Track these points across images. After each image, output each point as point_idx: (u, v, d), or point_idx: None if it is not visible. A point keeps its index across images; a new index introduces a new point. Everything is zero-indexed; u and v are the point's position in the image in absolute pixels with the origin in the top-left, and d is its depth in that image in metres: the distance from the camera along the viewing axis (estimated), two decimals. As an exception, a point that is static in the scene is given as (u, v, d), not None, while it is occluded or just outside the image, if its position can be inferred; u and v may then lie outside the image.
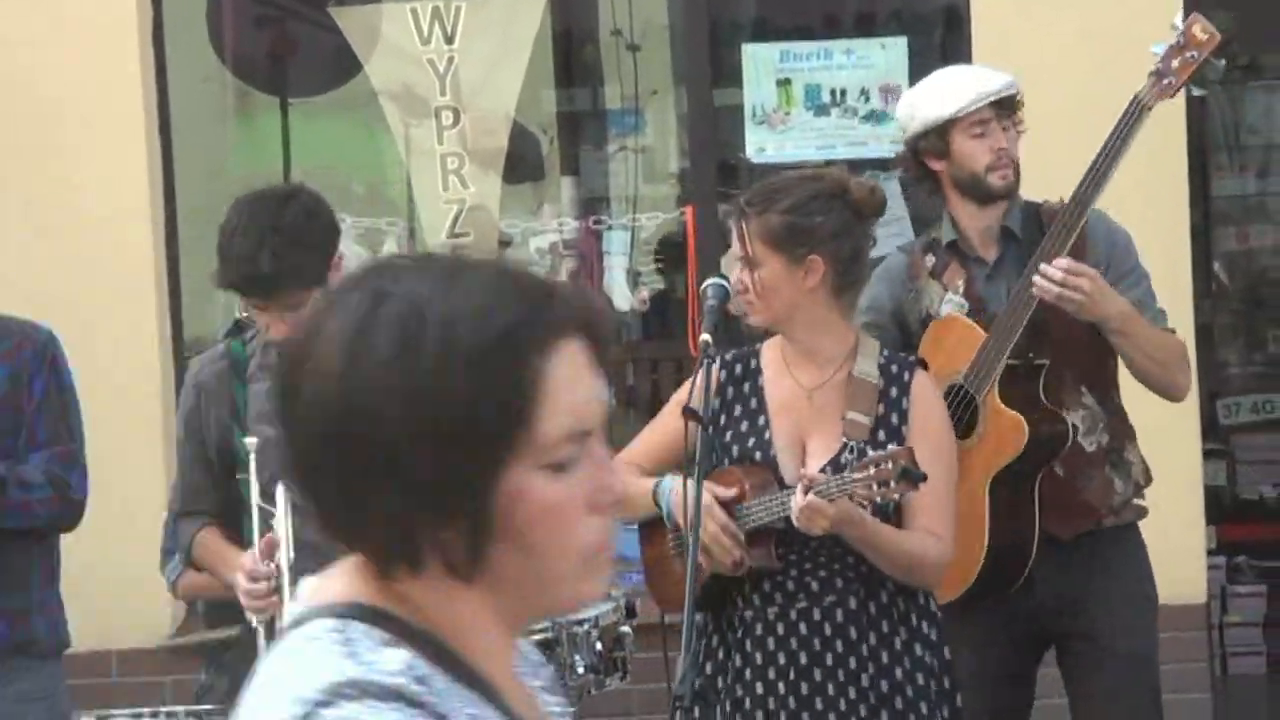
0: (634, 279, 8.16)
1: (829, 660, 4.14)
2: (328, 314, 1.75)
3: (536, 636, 5.70)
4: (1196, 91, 4.92)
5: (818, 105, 7.27)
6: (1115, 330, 4.66)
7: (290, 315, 4.48)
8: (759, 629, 4.19)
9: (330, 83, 7.94)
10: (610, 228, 8.08)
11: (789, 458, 4.19)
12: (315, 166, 8.22)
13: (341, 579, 1.80)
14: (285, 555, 4.46)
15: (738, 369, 4.32)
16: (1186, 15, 4.74)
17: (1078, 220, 4.64)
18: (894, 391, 4.21)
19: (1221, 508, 8.65)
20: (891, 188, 6.41)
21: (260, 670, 1.78)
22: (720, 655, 4.25)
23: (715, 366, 4.26)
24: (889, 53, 7.30)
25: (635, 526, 4.51)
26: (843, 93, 7.27)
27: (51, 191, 6.99)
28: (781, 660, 4.16)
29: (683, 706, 3.92)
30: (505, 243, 7.78)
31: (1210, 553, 7.46)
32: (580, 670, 5.64)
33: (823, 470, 4.08)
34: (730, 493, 4.17)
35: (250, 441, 4.57)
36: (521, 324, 1.71)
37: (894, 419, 4.19)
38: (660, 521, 4.33)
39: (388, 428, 1.69)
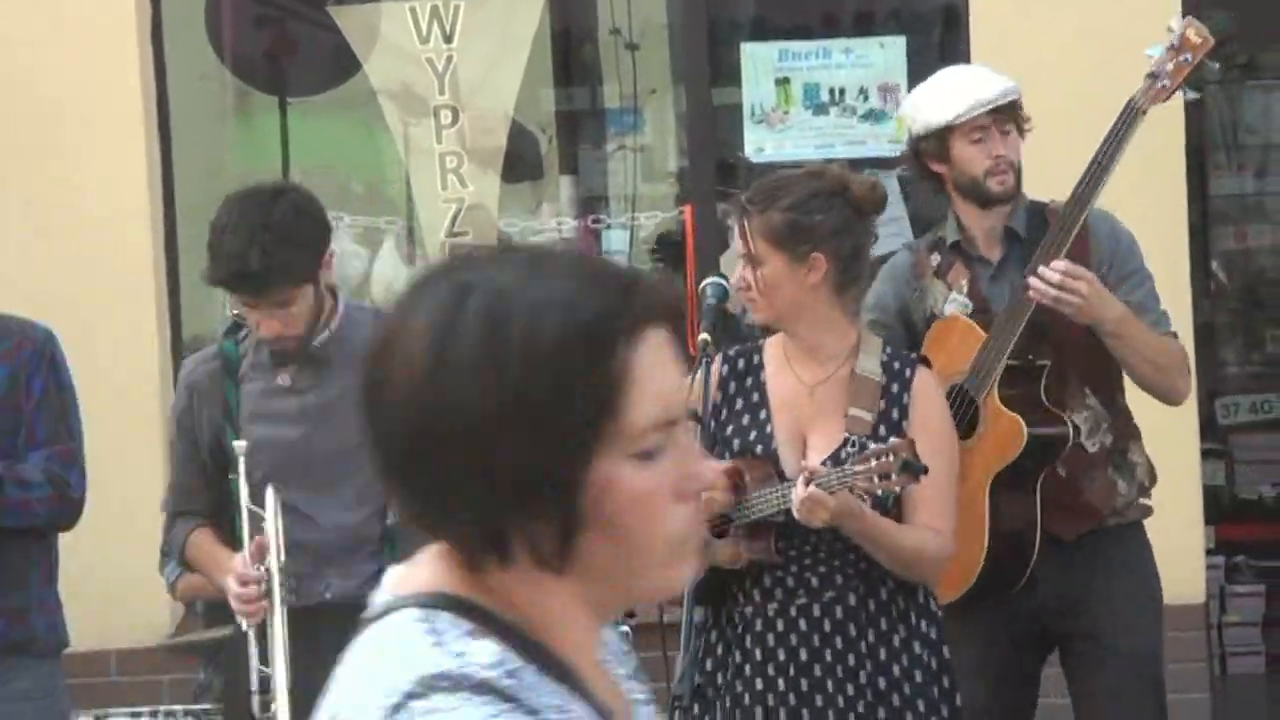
0: (632, 278, 8.16)
1: (828, 656, 4.15)
2: (412, 308, 1.75)
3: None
4: (1191, 95, 4.92)
5: (816, 104, 7.27)
6: (1112, 334, 4.66)
7: (280, 312, 4.48)
8: (759, 625, 4.20)
9: (329, 82, 7.94)
10: (609, 227, 8.08)
11: (790, 452, 4.20)
12: (314, 165, 8.22)
13: (427, 568, 1.79)
14: (275, 559, 4.46)
15: (740, 364, 4.33)
16: (1185, 15, 4.75)
17: (1075, 223, 4.64)
18: (895, 388, 4.21)
19: (1220, 507, 8.65)
20: (890, 186, 6.40)
21: (346, 661, 1.79)
22: (720, 651, 4.26)
23: (718, 361, 4.27)
24: (888, 52, 7.30)
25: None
26: (841, 92, 7.27)
27: (51, 191, 6.99)
28: (781, 656, 4.17)
29: (682, 706, 3.92)
30: (504, 241, 7.79)
31: (1209, 552, 7.46)
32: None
33: (824, 464, 4.08)
34: (725, 463, 4.17)
35: (240, 444, 4.57)
36: (607, 314, 1.71)
37: (895, 415, 4.19)
38: None
39: (475, 422, 1.69)
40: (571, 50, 8.48)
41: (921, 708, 4.15)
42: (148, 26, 7.18)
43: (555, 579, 1.74)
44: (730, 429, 4.28)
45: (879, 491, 4.01)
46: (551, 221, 8.05)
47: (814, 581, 4.18)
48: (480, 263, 1.76)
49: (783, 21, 8.28)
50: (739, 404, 4.30)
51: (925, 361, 4.37)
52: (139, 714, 5.10)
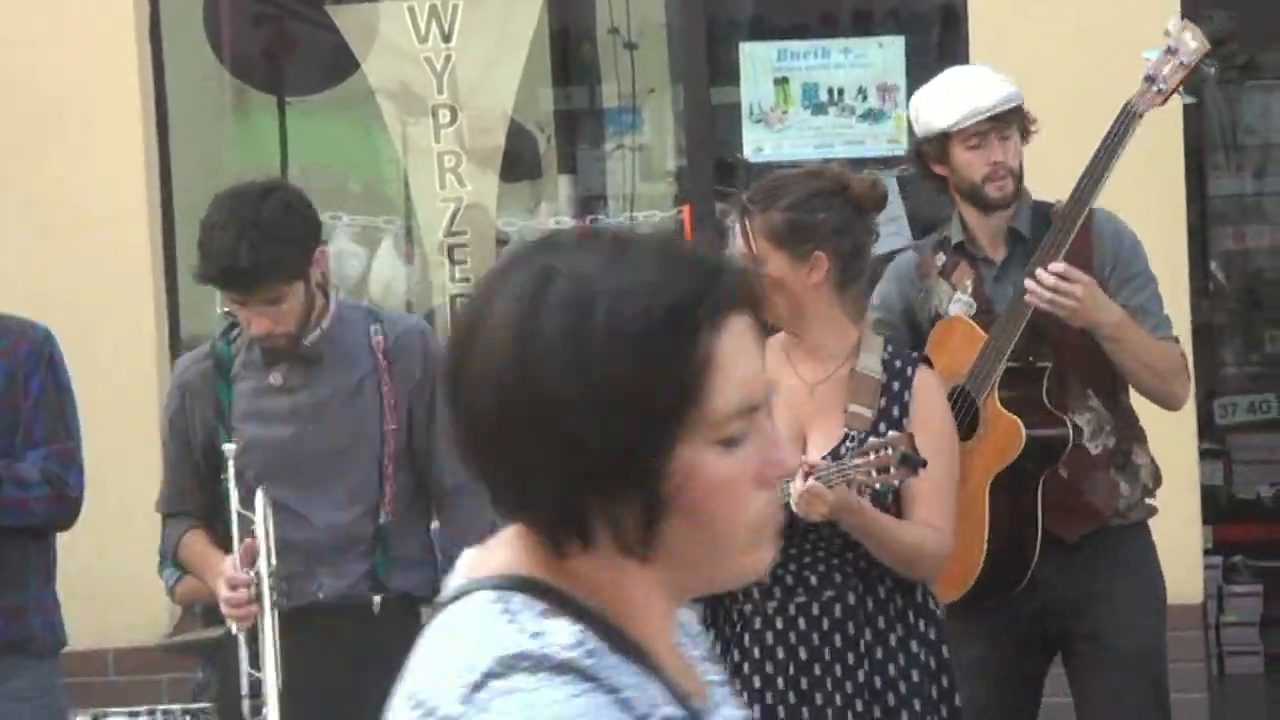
0: (631, 278, 8.15)
1: (826, 655, 4.14)
2: (495, 292, 1.75)
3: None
4: (1188, 99, 4.92)
5: (815, 104, 7.27)
6: (1109, 338, 4.65)
7: (270, 310, 4.48)
8: (757, 623, 4.20)
9: (327, 81, 7.94)
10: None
11: (790, 449, 4.19)
12: (312, 164, 8.23)
13: (501, 551, 1.79)
14: (265, 562, 4.46)
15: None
16: (1184, 16, 4.75)
17: (1073, 225, 4.64)
18: (896, 386, 4.21)
19: (1218, 507, 8.65)
20: (889, 186, 6.41)
21: (421, 645, 1.79)
22: (718, 649, 4.26)
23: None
24: (886, 51, 7.30)
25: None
26: (840, 91, 7.27)
27: (50, 191, 6.99)
28: (779, 655, 4.17)
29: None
30: (502, 241, 7.79)
31: (1207, 552, 7.46)
32: (577, 669, 5.65)
33: (823, 459, 4.09)
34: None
35: (229, 448, 4.56)
36: (691, 300, 1.71)
37: (896, 412, 4.19)
38: None
39: (560, 407, 1.69)
40: (570, 50, 8.48)
41: (918, 707, 4.14)
42: (146, 26, 7.18)
43: (635, 565, 1.74)
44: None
45: (877, 485, 4.01)
46: (550, 221, 8.05)
47: (813, 580, 4.18)
48: (565, 246, 1.76)
49: (781, 21, 8.28)
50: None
51: (927, 361, 4.37)
52: (137, 713, 5.10)
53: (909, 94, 7.14)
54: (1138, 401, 4.90)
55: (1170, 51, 4.70)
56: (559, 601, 1.73)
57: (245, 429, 4.62)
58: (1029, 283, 4.58)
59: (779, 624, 4.18)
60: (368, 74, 7.55)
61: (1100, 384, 4.76)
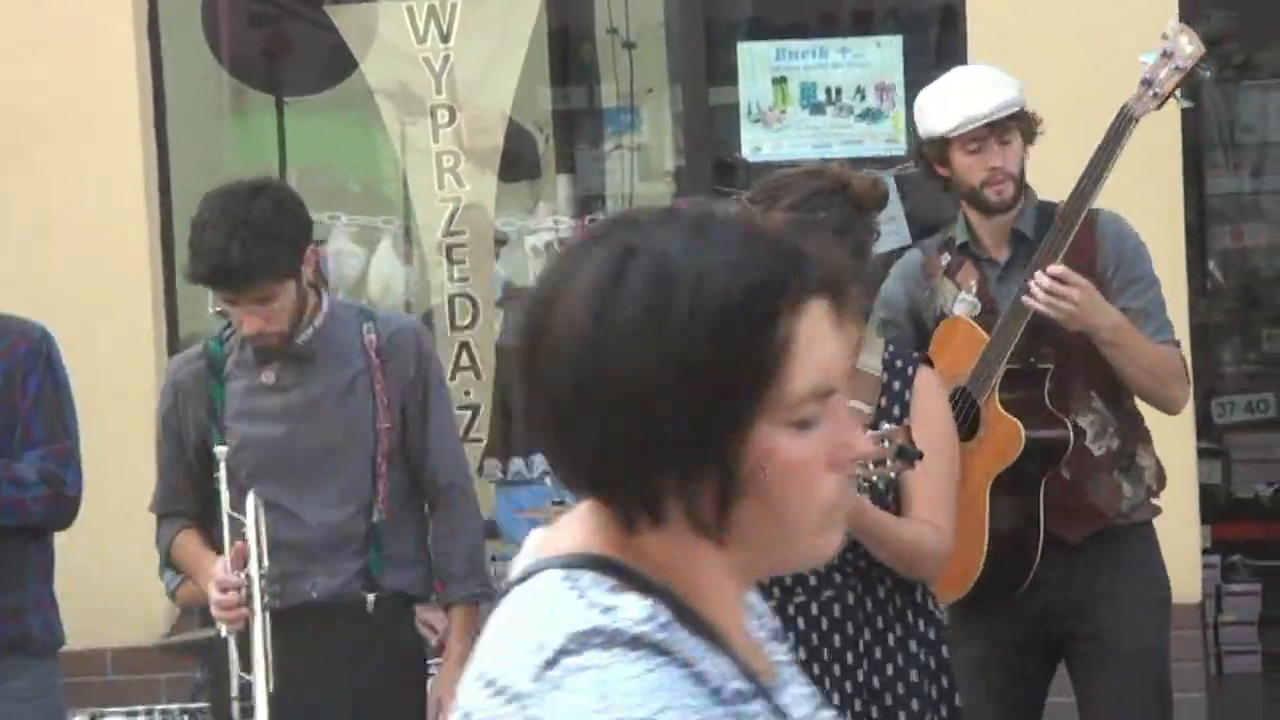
0: (629, 277, 8.15)
1: (825, 655, 4.14)
2: (574, 268, 1.74)
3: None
4: (1185, 104, 4.92)
5: (813, 104, 7.27)
6: (1107, 342, 4.65)
7: (261, 309, 4.48)
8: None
9: (326, 81, 7.94)
10: (606, 226, 8.07)
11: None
12: (311, 164, 8.23)
13: (571, 530, 1.79)
14: (255, 565, 4.45)
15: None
16: (1183, 14, 4.75)
17: (1071, 228, 4.64)
18: (897, 385, 4.21)
19: (1216, 507, 8.65)
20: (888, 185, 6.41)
21: (491, 625, 1.78)
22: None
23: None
24: (884, 51, 7.30)
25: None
26: (838, 91, 7.28)
27: (50, 191, 6.99)
28: (778, 655, 4.17)
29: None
30: (501, 241, 7.79)
31: (1205, 552, 7.46)
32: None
33: None
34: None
35: (220, 450, 4.56)
36: (773, 282, 1.71)
37: (896, 410, 4.19)
38: None
39: (637, 384, 1.69)
40: (569, 49, 8.48)
41: (916, 707, 4.14)
42: (145, 25, 7.18)
43: (707, 544, 1.74)
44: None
45: (874, 478, 4.01)
46: (548, 221, 8.05)
47: (811, 580, 4.17)
48: (645, 225, 1.75)
49: (780, 21, 8.28)
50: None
51: (928, 361, 4.37)
52: (135, 713, 5.10)
53: (907, 94, 7.16)
54: (1140, 402, 4.89)
55: (1166, 55, 4.70)
56: (628, 579, 1.73)
57: (238, 428, 4.62)
58: (1030, 284, 4.59)
59: (777, 623, 4.18)
60: (366, 74, 7.55)
61: (1104, 385, 4.75)
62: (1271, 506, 9.19)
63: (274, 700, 4.41)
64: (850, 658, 4.13)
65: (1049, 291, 4.55)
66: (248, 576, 4.44)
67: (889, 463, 3.94)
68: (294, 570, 4.54)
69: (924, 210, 6.89)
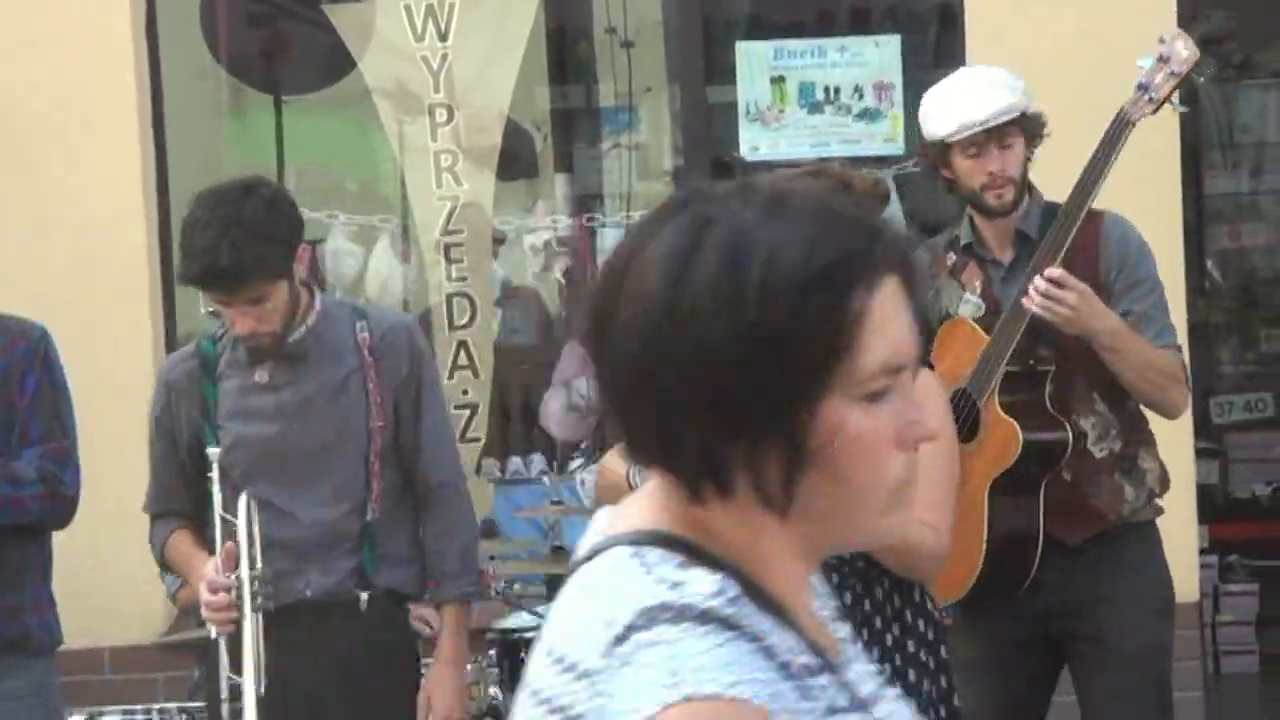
0: (628, 277, 8.16)
1: (823, 656, 4.15)
2: (647, 238, 1.75)
3: (530, 634, 5.72)
4: (1181, 109, 4.91)
5: (811, 103, 7.27)
6: (1105, 346, 4.65)
7: (253, 309, 4.47)
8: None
9: (324, 80, 7.94)
10: (604, 225, 8.08)
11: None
12: (309, 163, 8.23)
13: (638, 509, 1.79)
14: (246, 567, 4.44)
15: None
16: (1182, 14, 4.75)
17: (1068, 233, 4.64)
18: (896, 385, 4.21)
19: (1214, 506, 8.66)
20: (886, 185, 6.41)
21: (559, 603, 1.78)
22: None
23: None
24: (883, 50, 7.30)
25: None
26: (836, 90, 7.28)
27: (49, 191, 6.99)
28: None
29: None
30: (499, 240, 7.79)
31: (1202, 551, 7.46)
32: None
33: None
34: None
35: (213, 451, 4.56)
36: (848, 257, 1.71)
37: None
38: None
39: (709, 353, 1.69)
40: (567, 48, 8.48)
41: (914, 706, 4.14)
42: (143, 25, 7.17)
43: (773, 518, 1.74)
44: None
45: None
46: (546, 220, 8.06)
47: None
48: (721, 198, 1.76)
49: (778, 20, 8.28)
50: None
51: (928, 363, 4.37)
52: (132, 712, 5.10)
53: (905, 93, 7.17)
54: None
55: (1163, 60, 4.69)
56: (695, 555, 1.73)
57: (231, 427, 4.62)
58: (1028, 287, 4.59)
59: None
60: (364, 73, 7.55)
61: (1106, 387, 4.74)
62: (1269, 506, 9.19)
63: (263, 702, 4.40)
64: (848, 657, 4.13)
65: (1045, 295, 4.55)
66: (238, 578, 4.43)
67: None
68: (288, 569, 4.54)
69: (923, 210, 6.89)
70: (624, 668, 1.66)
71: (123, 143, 7.06)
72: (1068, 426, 4.70)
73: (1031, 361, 4.69)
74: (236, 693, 4.44)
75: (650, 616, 1.67)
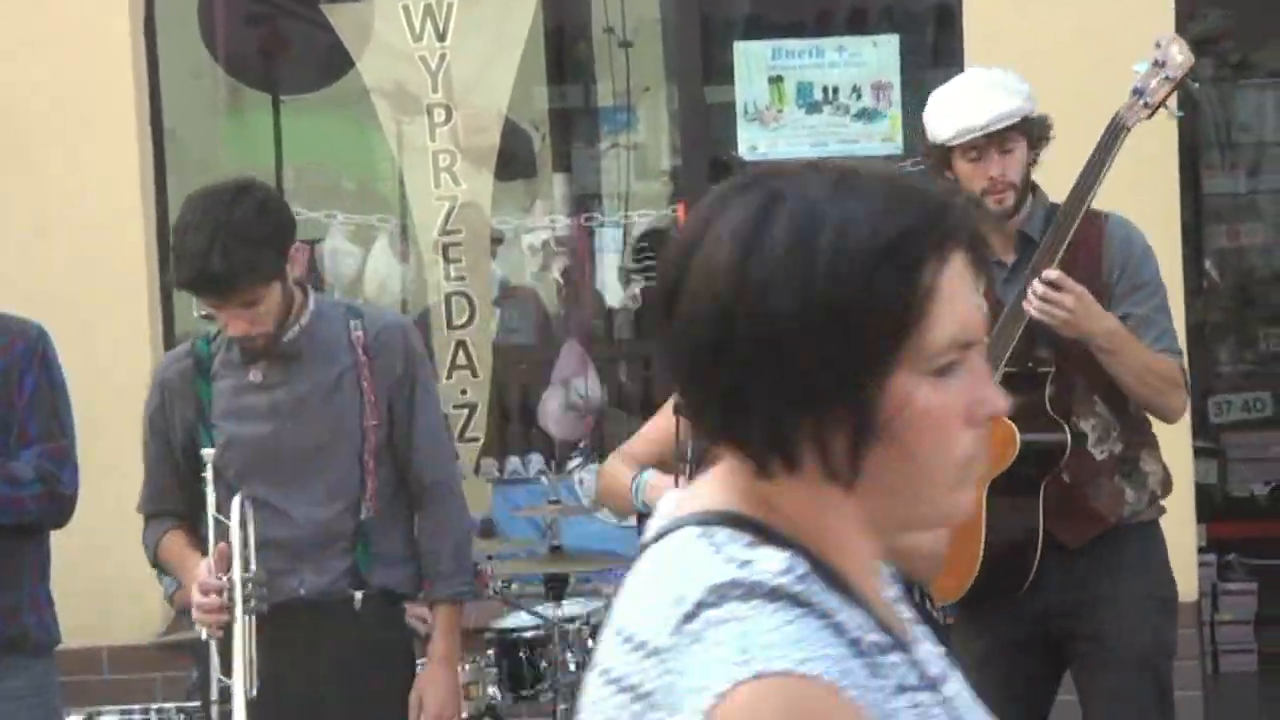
0: (626, 276, 8.17)
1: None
2: (717, 213, 1.75)
3: (529, 634, 5.72)
4: (1177, 114, 4.91)
5: (810, 103, 7.27)
6: (1102, 348, 4.65)
7: (246, 312, 4.46)
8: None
9: (322, 80, 7.94)
10: (602, 225, 8.09)
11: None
12: (307, 163, 8.23)
13: (706, 490, 1.79)
14: (238, 570, 4.44)
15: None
16: (1180, 14, 4.75)
17: (1065, 235, 4.64)
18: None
19: (1212, 505, 8.66)
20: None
21: (627, 584, 1.78)
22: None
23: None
24: (881, 50, 7.30)
25: (635, 521, 4.52)
26: (835, 90, 7.28)
27: (49, 191, 6.99)
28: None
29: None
30: (497, 239, 7.79)
31: (1201, 550, 7.46)
32: (572, 668, 5.65)
33: None
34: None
35: (208, 452, 4.55)
36: (917, 230, 1.72)
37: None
38: None
39: (778, 324, 1.69)
40: (565, 48, 8.49)
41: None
42: (141, 24, 7.17)
43: (840, 494, 1.74)
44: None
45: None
46: (545, 219, 8.06)
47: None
48: (791, 173, 1.76)
49: (776, 19, 8.29)
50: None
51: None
52: (130, 712, 5.09)
53: (903, 93, 7.17)
54: (1133, 401, 4.90)
55: (1158, 65, 4.69)
56: (763, 534, 1.73)
57: (225, 427, 4.61)
58: (1027, 289, 4.59)
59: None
60: (362, 73, 7.55)
61: (1106, 390, 4.74)
62: (1268, 505, 9.20)
63: (258, 702, 4.39)
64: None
65: (1043, 298, 4.55)
66: (230, 580, 4.43)
67: None
68: (282, 568, 4.53)
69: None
70: (694, 645, 1.66)
71: (121, 142, 7.06)
72: (1066, 428, 4.70)
73: (1031, 363, 4.68)
74: (228, 694, 4.43)
75: (720, 593, 1.67)
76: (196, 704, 5.15)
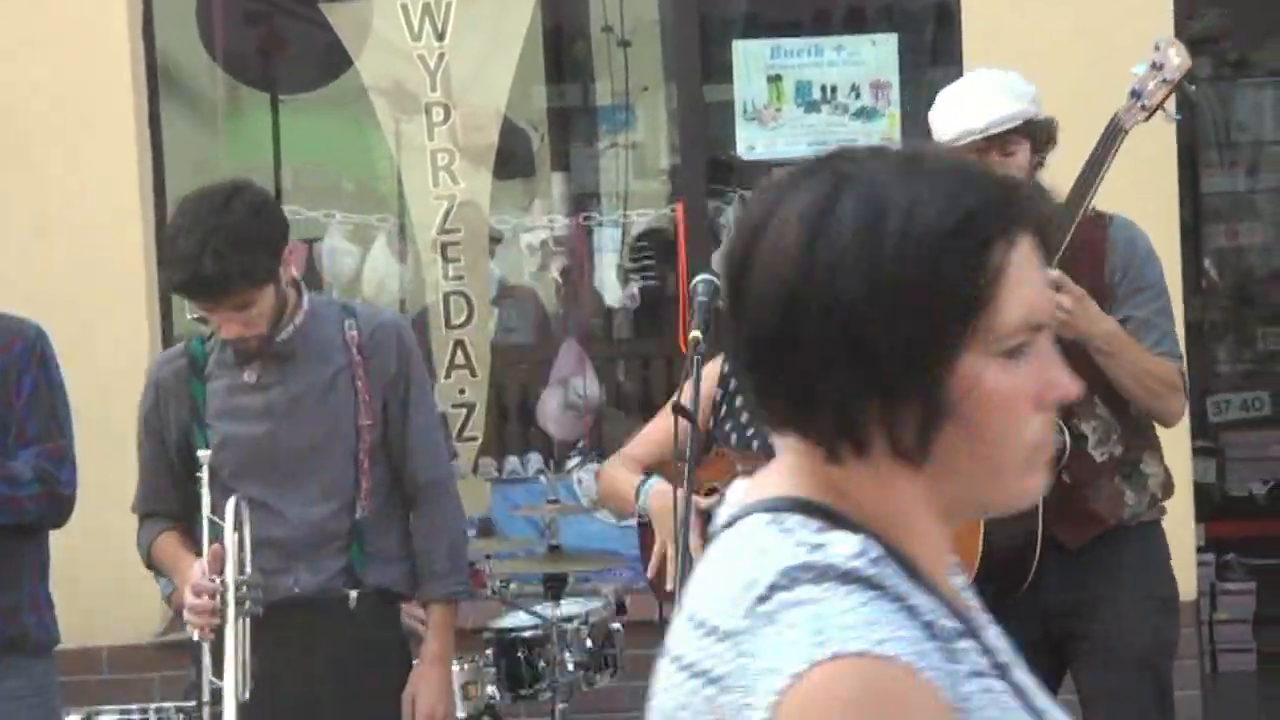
0: (624, 275, 8.17)
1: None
2: (785, 195, 1.75)
3: (527, 633, 5.72)
4: (1175, 117, 4.91)
5: (808, 102, 7.27)
6: (1100, 350, 4.64)
7: (239, 314, 4.45)
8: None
9: (321, 79, 7.94)
10: (601, 224, 8.09)
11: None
12: (306, 162, 8.23)
13: (775, 477, 1.79)
14: (231, 571, 4.43)
15: (743, 360, 4.35)
16: (1179, 13, 4.75)
17: (1062, 238, 4.63)
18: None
19: (1211, 505, 8.66)
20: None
21: (698, 571, 1.78)
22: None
23: (719, 359, 4.28)
24: (879, 49, 7.30)
25: (635, 523, 4.52)
26: (833, 89, 7.28)
27: (49, 191, 6.99)
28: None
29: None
30: (495, 239, 7.79)
31: (1199, 550, 7.46)
32: (570, 667, 5.65)
33: None
34: (710, 499, 4.18)
35: (204, 454, 4.55)
36: (985, 212, 1.72)
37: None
38: None
39: (846, 307, 1.69)
40: (563, 47, 8.48)
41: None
42: (139, 24, 7.17)
43: (908, 477, 1.73)
44: (729, 425, 4.29)
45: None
46: (543, 219, 8.06)
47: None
48: (857, 157, 1.77)
49: (775, 18, 8.28)
50: (739, 401, 4.31)
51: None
52: (129, 712, 5.09)
53: (902, 92, 7.17)
54: (1131, 400, 4.89)
55: (1155, 67, 4.69)
56: (833, 520, 1.73)
57: (219, 427, 4.61)
58: None
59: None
60: (361, 72, 7.55)
61: (1107, 392, 4.73)
62: (1266, 505, 9.21)
63: (253, 701, 4.39)
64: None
65: None
66: (223, 582, 4.42)
67: None
68: (276, 568, 4.53)
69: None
70: (766, 627, 1.65)
71: (121, 142, 7.06)
72: (1066, 430, 4.70)
73: None
74: (218, 697, 4.42)
75: (792, 577, 1.67)
76: (195, 703, 5.15)
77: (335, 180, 8.22)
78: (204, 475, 4.52)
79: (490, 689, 5.64)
